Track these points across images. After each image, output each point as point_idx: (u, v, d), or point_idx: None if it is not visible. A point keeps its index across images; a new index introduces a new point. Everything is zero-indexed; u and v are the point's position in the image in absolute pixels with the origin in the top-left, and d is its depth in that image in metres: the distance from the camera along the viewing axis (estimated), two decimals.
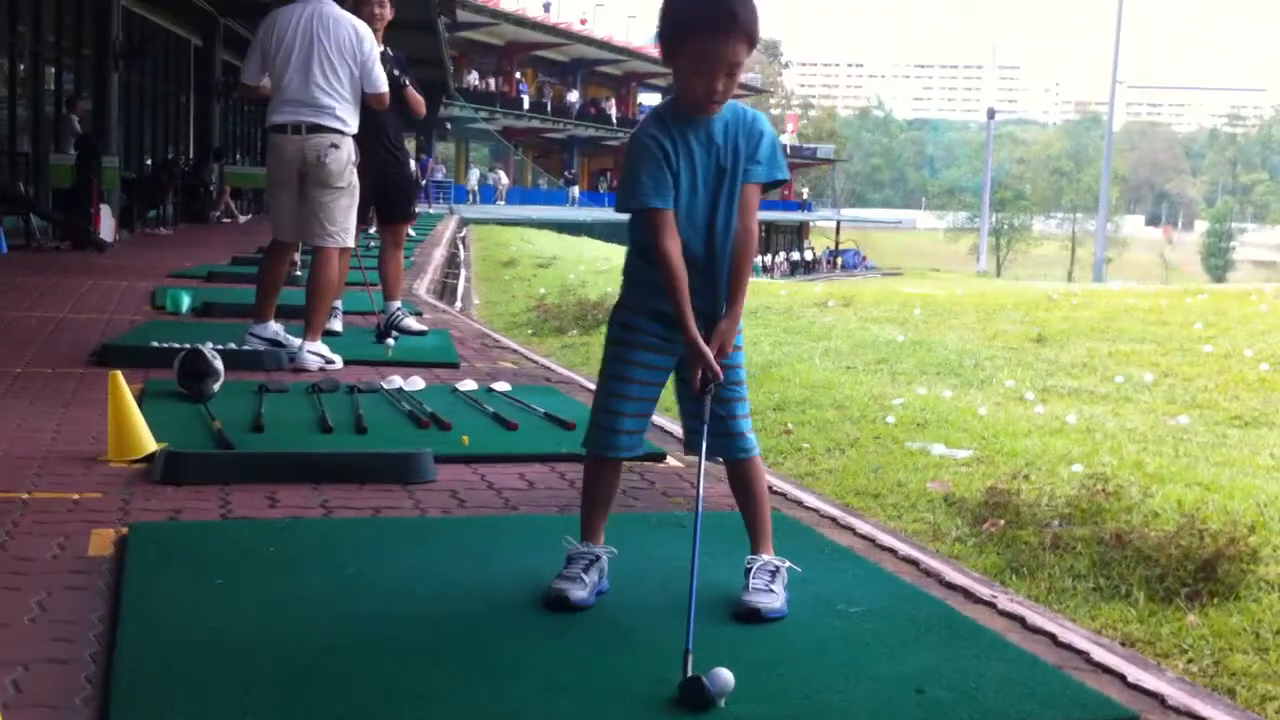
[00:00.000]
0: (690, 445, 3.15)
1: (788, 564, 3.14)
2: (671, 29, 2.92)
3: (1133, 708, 2.59)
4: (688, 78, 2.93)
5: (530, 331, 12.90)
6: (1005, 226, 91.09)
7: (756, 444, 3.19)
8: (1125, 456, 6.46)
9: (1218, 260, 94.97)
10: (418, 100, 7.51)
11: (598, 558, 3.10)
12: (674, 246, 2.94)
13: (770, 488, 4.34)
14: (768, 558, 3.13)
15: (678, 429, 5.40)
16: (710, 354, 2.94)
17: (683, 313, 2.94)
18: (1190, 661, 3.87)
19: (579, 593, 2.99)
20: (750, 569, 3.09)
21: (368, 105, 6.70)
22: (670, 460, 4.75)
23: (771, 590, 3.03)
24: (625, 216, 3.08)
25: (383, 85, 6.68)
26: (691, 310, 2.94)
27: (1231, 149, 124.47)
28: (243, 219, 23.45)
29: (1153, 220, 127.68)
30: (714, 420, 3.01)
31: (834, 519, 4.10)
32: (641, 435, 3.17)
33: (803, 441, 6.94)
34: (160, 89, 23.93)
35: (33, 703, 2.38)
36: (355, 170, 6.66)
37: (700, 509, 2.88)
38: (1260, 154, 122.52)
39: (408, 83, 7.30)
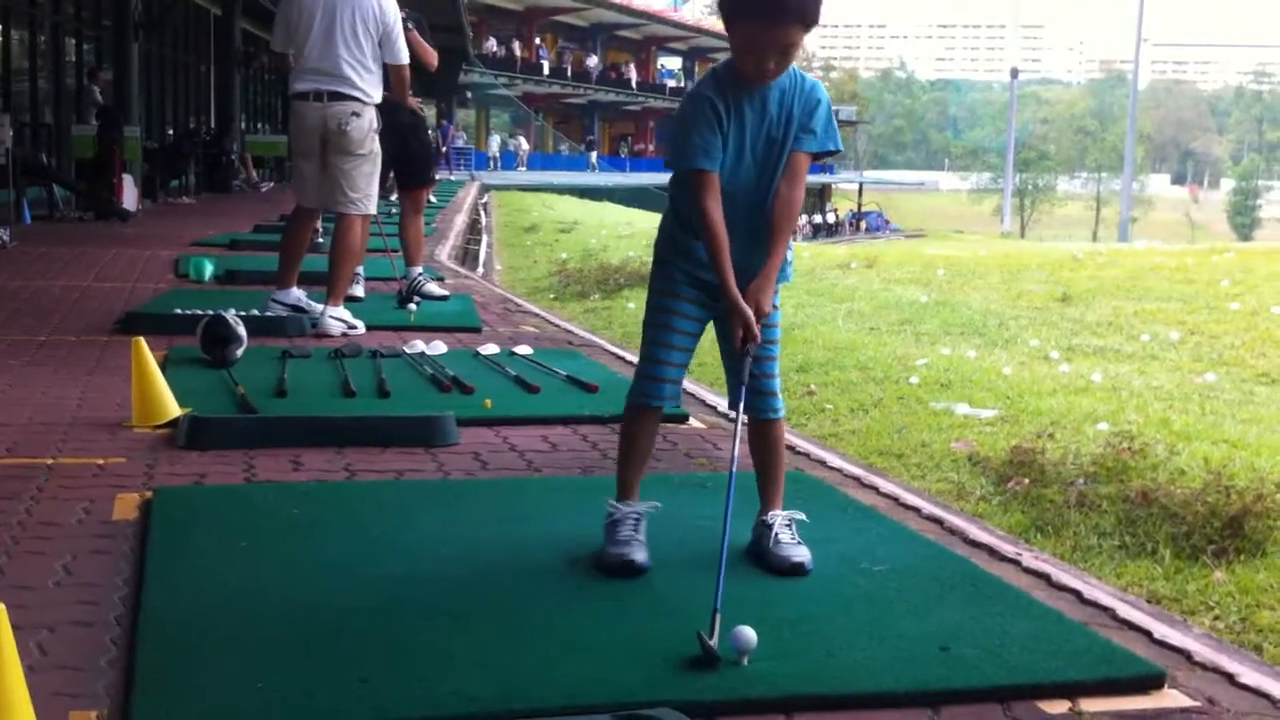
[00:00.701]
0: (731, 403, 3.14)
1: (802, 516, 3.16)
2: (725, 8, 2.90)
3: (1159, 664, 2.58)
4: (740, 54, 2.91)
5: (552, 296, 12.89)
6: (1029, 187, 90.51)
7: (783, 405, 3.19)
8: (1151, 414, 6.42)
9: (1244, 219, 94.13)
10: (429, 52, 7.45)
11: (642, 515, 3.10)
12: (716, 209, 2.92)
13: (794, 448, 4.36)
14: (789, 513, 3.14)
15: (701, 391, 5.40)
16: (751, 315, 2.93)
17: (724, 273, 2.92)
18: (1217, 618, 3.85)
19: (641, 555, 2.99)
20: (773, 524, 3.09)
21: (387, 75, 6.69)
22: (693, 422, 4.74)
23: (801, 544, 3.06)
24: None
25: (404, 57, 6.66)
26: (732, 271, 2.93)
27: (1258, 106, 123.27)
28: (265, 186, 23.46)
29: (1178, 179, 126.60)
30: (750, 378, 3.01)
31: (858, 479, 4.09)
32: (677, 389, 3.17)
33: (826, 403, 6.92)
34: (180, 59, 23.93)
35: (58, 665, 2.40)
36: (377, 138, 6.65)
37: (734, 469, 2.89)
38: None
39: (411, 26, 7.23)
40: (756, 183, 3.00)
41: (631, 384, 3.18)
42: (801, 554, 3.03)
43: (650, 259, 3.22)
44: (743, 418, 3.02)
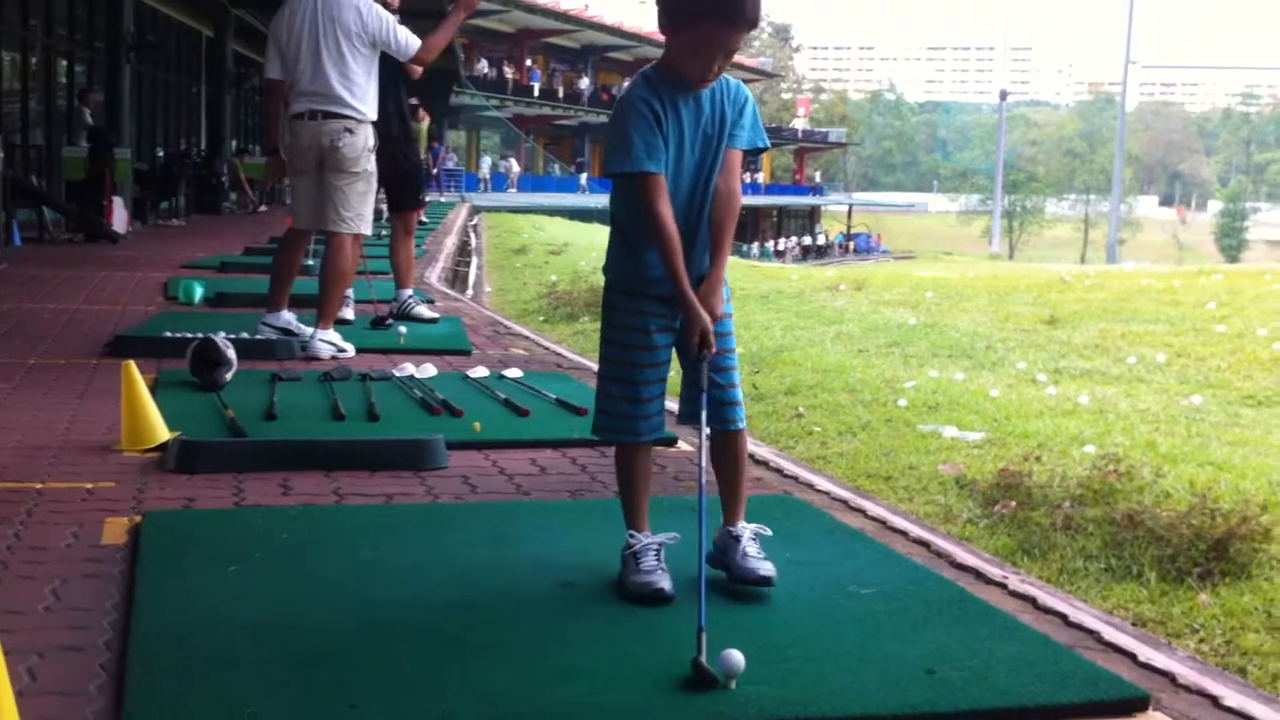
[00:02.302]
0: (685, 415, 3.12)
1: (768, 531, 3.16)
2: (676, 9, 2.91)
3: (1144, 687, 2.59)
4: (685, 56, 2.93)
5: (542, 318, 12.91)
6: (1018, 209, 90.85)
7: (744, 415, 3.18)
8: (1137, 437, 6.45)
9: (1232, 240, 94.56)
10: (411, 66, 7.43)
11: (661, 544, 3.09)
12: (667, 211, 2.93)
13: (781, 471, 4.37)
14: (756, 526, 3.14)
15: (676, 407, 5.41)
16: (708, 319, 2.94)
17: (679, 278, 2.92)
18: (1202, 641, 3.87)
19: (666, 583, 2.99)
20: (740, 537, 3.10)
21: (384, 86, 6.70)
22: (681, 445, 4.76)
23: (766, 558, 3.08)
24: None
25: (411, 48, 6.64)
26: (687, 275, 2.94)
27: (1246, 128, 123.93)
28: (263, 208, 23.42)
29: (1166, 201, 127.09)
30: (714, 387, 3.03)
31: (845, 502, 4.10)
32: (663, 416, 3.17)
33: (814, 425, 6.94)
34: (172, 81, 23.97)
35: (48, 690, 2.40)
36: (372, 157, 6.66)
37: (704, 481, 2.89)
38: (1275, 133, 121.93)
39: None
40: (697, 184, 3.01)
41: (602, 423, 3.15)
42: (768, 568, 3.04)
43: None
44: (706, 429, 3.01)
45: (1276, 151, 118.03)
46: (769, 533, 3.16)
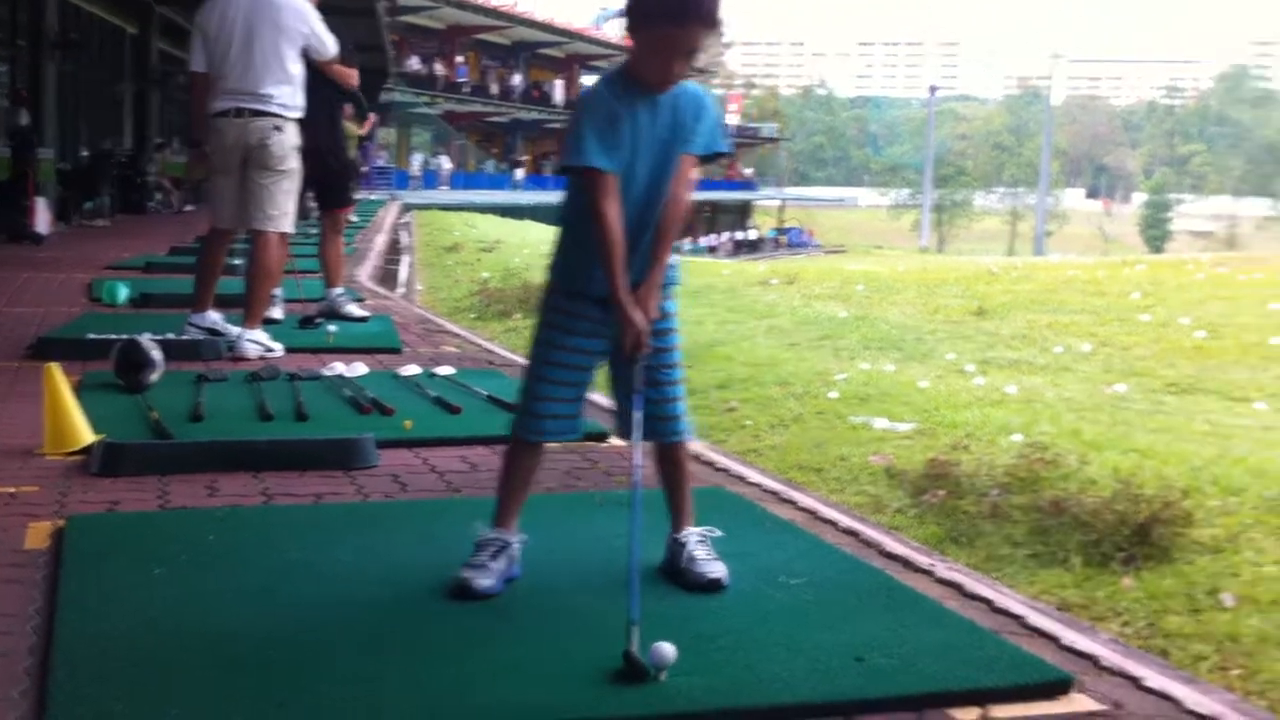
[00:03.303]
0: (624, 427, 3.08)
1: (718, 532, 3.17)
2: (635, 11, 2.91)
3: (1067, 670, 2.64)
4: (644, 58, 2.93)
5: (474, 316, 12.87)
6: (947, 202, 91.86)
7: (690, 427, 3.19)
8: (1063, 425, 6.55)
9: (1156, 231, 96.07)
10: (347, 74, 7.42)
11: (507, 544, 3.06)
12: (615, 212, 2.91)
13: (713, 464, 4.39)
14: (703, 529, 3.16)
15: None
16: (642, 322, 2.93)
17: (616, 279, 2.91)
18: (1125, 624, 3.94)
19: (484, 581, 2.96)
20: (686, 542, 3.11)
21: (314, 86, 6.65)
22: (612, 440, 4.76)
23: (717, 559, 3.09)
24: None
25: (331, 49, 6.61)
26: (627, 279, 2.93)
27: (1169, 121, 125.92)
28: (189, 208, 23.10)
29: (1092, 193, 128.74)
30: (652, 403, 3.02)
31: (776, 493, 4.13)
32: (572, 420, 3.13)
33: (746, 419, 6.98)
34: (96, 79, 23.59)
35: None
36: (298, 155, 6.60)
37: (639, 479, 2.89)
38: (1197, 125, 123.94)
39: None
40: (651, 189, 3.00)
41: (515, 415, 3.15)
42: (718, 569, 3.06)
43: None
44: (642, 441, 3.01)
45: (1199, 144, 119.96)
46: (719, 533, 3.17)
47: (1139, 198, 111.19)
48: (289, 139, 6.49)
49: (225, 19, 6.41)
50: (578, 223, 3.04)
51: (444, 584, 3.01)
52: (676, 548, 3.13)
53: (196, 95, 6.78)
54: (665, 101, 2.98)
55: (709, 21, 2.87)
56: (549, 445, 3.20)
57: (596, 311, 3.03)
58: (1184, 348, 9.44)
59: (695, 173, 3.07)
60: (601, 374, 3.19)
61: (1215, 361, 8.92)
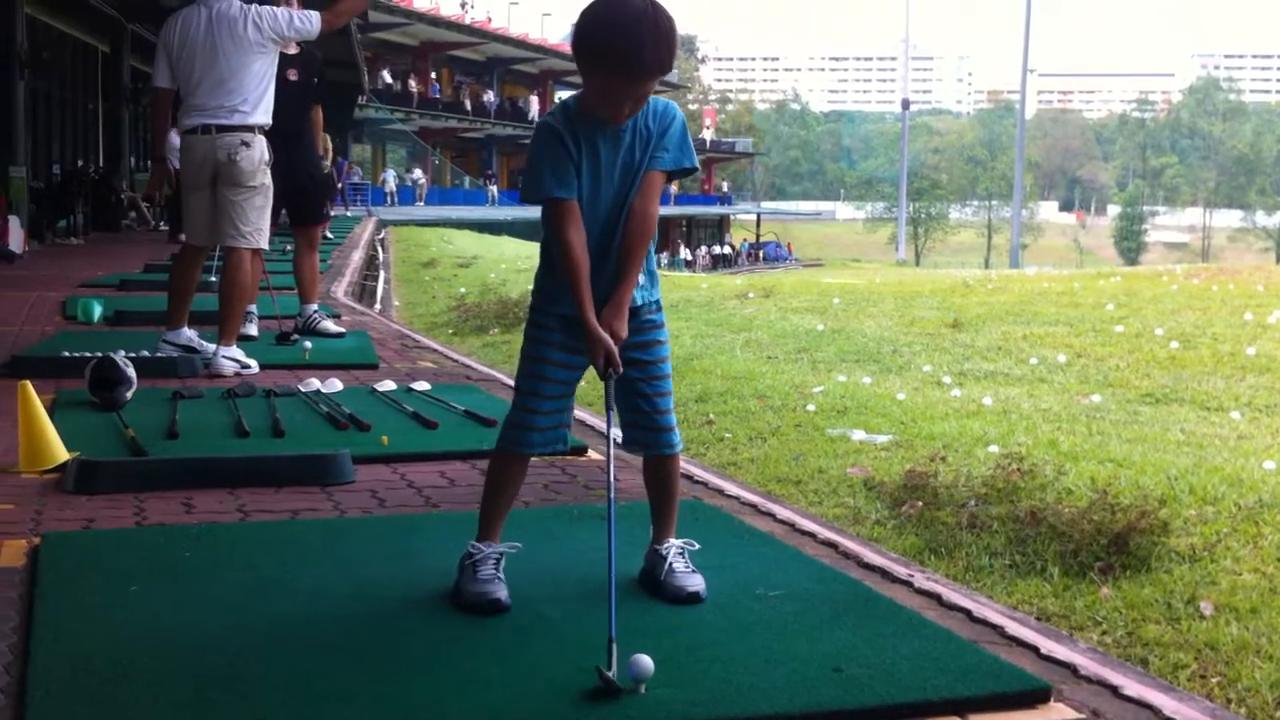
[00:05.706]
0: (628, 443, 3.14)
1: (696, 545, 3.17)
2: (583, 57, 2.87)
3: (1046, 678, 2.64)
4: (595, 99, 2.92)
5: (451, 331, 12.84)
6: (923, 215, 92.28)
7: (680, 439, 3.20)
8: (1040, 436, 6.57)
9: (1130, 243, 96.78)
10: (346, 10, 7.21)
11: (503, 555, 3.08)
12: (577, 237, 2.93)
13: (691, 477, 4.39)
14: (682, 541, 3.16)
15: (598, 422, 5.42)
16: (610, 341, 2.93)
17: (582, 302, 2.92)
18: (1104, 633, 3.95)
19: (504, 593, 2.98)
20: (666, 554, 3.11)
21: (285, 100, 6.63)
22: (591, 454, 4.76)
23: (695, 572, 3.09)
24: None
25: (314, 27, 6.50)
26: (591, 301, 2.94)
27: (1141, 134, 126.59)
28: (162, 225, 22.99)
29: (1066, 206, 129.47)
30: (643, 415, 3.05)
31: (755, 506, 4.13)
32: (557, 432, 3.14)
33: (724, 431, 6.98)
34: (68, 97, 23.49)
35: None
36: (268, 170, 6.57)
37: (613, 496, 2.88)
38: (1169, 138, 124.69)
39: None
40: (616, 211, 3.00)
41: (502, 428, 3.16)
42: (696, 583, 3.06)
43: None
44: (633, 451, 3.01)
45: (1171, 156, 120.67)
46: (696, 546, 3.17)
47: (1113, 210, 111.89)
48: (257, 154, 6.44)
49: (187, 36, 6.37)
50: (545, 246, 3.06)
51: (453, 601, 3.01)
52: (656, 559, 3.13)
53: (159, 111, 6.78)
54: (627, 124, 2.97)
55: (658, 72, 2.86)
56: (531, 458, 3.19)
57: (569, 331, 3.04)
58: (1159, 358, 9.48)
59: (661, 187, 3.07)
60: (591, 391, 3.19)
61: (1190, 371, 8.97)
